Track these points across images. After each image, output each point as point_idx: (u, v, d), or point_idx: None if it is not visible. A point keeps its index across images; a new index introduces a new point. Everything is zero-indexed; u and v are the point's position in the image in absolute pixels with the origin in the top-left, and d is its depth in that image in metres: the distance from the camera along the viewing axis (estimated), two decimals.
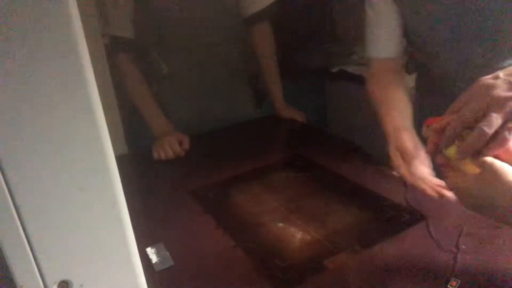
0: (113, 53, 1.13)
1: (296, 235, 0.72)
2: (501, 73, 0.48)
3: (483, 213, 0.51)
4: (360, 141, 1.07)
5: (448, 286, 0.57)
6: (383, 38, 0.92)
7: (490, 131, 0.45)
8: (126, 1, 1.09)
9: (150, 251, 0.70)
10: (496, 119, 0.45)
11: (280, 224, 0.75)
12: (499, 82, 0.46)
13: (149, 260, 0.68)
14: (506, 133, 0.45)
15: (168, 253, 0.70)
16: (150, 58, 1.20)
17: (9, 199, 0.32)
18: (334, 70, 1.67)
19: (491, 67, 0.57)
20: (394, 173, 0.86)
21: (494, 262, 0.61)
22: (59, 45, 0.31)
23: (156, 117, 1.16)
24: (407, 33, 0.90)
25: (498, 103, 0.45)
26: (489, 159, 0.47)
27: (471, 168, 0.50)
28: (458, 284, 0.57)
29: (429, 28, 0.84)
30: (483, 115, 0.46)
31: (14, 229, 0.33)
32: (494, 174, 0.47)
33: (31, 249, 0.34)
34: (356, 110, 1.61)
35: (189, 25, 1.15)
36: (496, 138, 0.46)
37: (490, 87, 0.46)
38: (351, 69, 1.61)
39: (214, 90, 1.27)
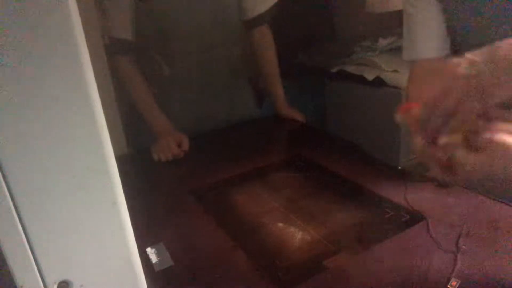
0: (113, 55, 1.13)
1: (296, 235, 0.72)
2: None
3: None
4: (360, 141, 1.07)
5: (448, 286, 0.57)
6: (425, 36, 0.84)
7: None
8: (126, 2, 1.09)
9: (150, 251, 0.70)
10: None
11: (280, 224, 0.75)
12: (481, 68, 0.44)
13: (149, 260, 0.68)
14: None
15: (168, 253, 0.70)
16: (151, 59, 1.20)
17: (9, 199, 0.32)
18: (334, 70, 1.67)
19: None
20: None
21: (494, 262, 0.61)
22: (59, 45, 0.31)
23: (155, 116, 1.16)
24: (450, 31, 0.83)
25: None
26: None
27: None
28: (458, 284, 0.57)
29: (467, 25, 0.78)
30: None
31: (14, 229, 0.33)
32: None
33: (31, 249, 0.34)
34: (356, 110, 1.61)
35: (191, 27, 1.15)
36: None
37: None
38: (351, 69, 1.61)
39: (215, 91, 1.28)
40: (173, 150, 1.07)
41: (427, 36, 0.85)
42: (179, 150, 1.08)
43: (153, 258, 0.69)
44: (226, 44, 1.24)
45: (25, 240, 0.33)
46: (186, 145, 1.11)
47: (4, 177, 0.32)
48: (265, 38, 1.31)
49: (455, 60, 0.45)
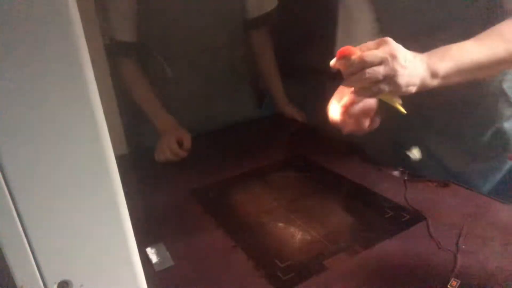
0: (115, 56, 1.12)
1: (296, 235, 0.72)
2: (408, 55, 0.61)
3: None
4: (360, 141, 1.07)
5: (448, 286, 0.57)
6: (357, 35, 0.90)
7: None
8: (129, 3, 1.09)
9: (150, 251, 0.70)
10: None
11: (280, 224, 0.75)
12: (401, 69, 0.59)
13: (149, 260, 0.68)
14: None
15: (168, 253, 0.70)
16: (154, 61, 1.20)
17: (9, 199, 0.32)
18: (334, 70, 1.67)
19: None
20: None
21: (494, 262, 0.61)
22: (59, 45, 0.31)
23: (159, 114, 1.16)
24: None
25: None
26: None
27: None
28: (458, 284, 0.57)
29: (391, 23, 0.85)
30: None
31: (14, 230, 0.33)
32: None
33: (31, 249, 0.34)
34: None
35: (193, 29, 1.15)
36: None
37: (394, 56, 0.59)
38: None
39: (216, 92, 1.28)
40: (175, 150, 1.07)
41: (361, 32, 0.90)
42: (181, 150, 1.08)
43: (153, 258, 0.69)
44: (228, 45, 1.24)
45: (25, 240, 0.33)
46: (188, 143, 1.10)
47: (4, 177, 0.32)
48: (264, 38, 1.31)
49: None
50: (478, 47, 0.65)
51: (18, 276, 0.34)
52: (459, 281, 0.57)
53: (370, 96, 0.65)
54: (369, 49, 0.62)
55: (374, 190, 0.84)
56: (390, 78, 0.59)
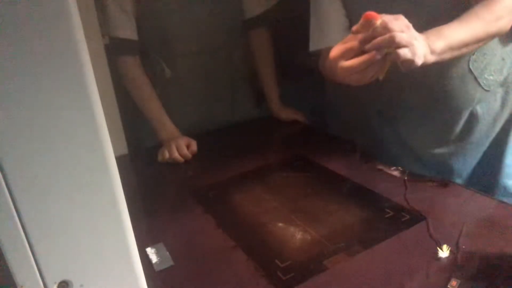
0: (115, 55, 1.12)
1: (296, 235, 0.72)
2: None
3: None
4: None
5: (448, 286, 0.57)
6: (328, 28, 0.94)
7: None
8: (129, 3, 1.09)
9: (150, 251, 0.70)
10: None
11: (280, 224, 0.75)
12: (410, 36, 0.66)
13: (149, 260, 0.68)
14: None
15: (168, 253, 0.70)
16: (153, 62, 1.19)
17: (9, 199, 0.32)
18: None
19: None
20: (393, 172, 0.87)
21: (494, 262, 0.61)
22: (59, 45, 0.31)
23: (163, 123, 1.15)
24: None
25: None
26: None
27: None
28: (458, 284, 0.57)
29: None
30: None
31: (14, 229, 0.33)
32: None
33: (31, 249, 0.34)
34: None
35: (193, 29, 1.15)
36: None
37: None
38: None
39: (216, 92, 1.27)
40: (183, 151, 1.07)
41: (332, 27, 0.94)
42: (188, 152, 1.08)
43: (153, 258, 0.69)
44: (227, 46, 1.24)
45: (25, 240, 0.33)
46: (194, 147, 1.10)
47: (4, 177, 0.32)
48: (263, 39, 1.30)
49: None
50: (463, 28, 0.73)
51: (18, 276, 0.34)
52: (459, 281, 0.57)
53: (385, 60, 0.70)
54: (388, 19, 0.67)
55: (374, 190, 0.84)
56: (411, 46, 0.65)
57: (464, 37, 0.73)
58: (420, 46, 0.67)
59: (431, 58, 0.70)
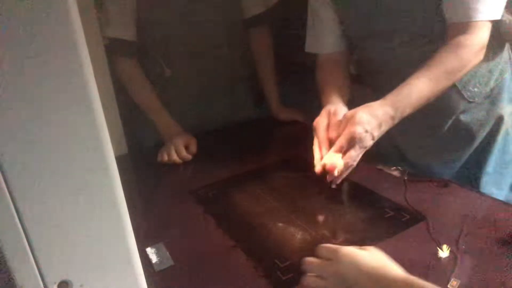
0: (114, 56, 1.12)
1: (296, 235, 0.72)
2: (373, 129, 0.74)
3: None
4: None
5: (448, 286, 0.57)
6: (322, 34, 0.99)
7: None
8: (128, 3, 1.09)
9: (150, 251, 0.70)
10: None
11: (280, 224, 0.75)
12: (367, 136, 0.74)
13: (149, 260, 0.68)
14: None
15: (168, 253, 0.70)
16: (152, 61, 1.19)
17: (9, 199, 0.32)
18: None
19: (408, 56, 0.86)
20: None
21: (494, 262, 0.61)
22: (59, 45, 0.31)
23: (164, 120, 1.15)
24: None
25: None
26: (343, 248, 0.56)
27: None
28: (458, 284, 0.57)
29: (349, 24, 0.94)
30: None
31: (14, 230, 0.33)
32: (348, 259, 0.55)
33: (31, 249, 0.34)
34: None
35: (193, 29, 1.15)
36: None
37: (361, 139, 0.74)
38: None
39: (215, 92, 1.27)
40: (181, 153, 1.07)
41: (326, 33, 0.98)
42: (187, 155, 1.08)
43: (153, 258, 0.69)
44: (227, 45, 1.23)
45: (25, 240, 0.33)
46: (194, 147, 1.10)
47: (4, 177, 0.32)
48: (263, 39, 1.30)
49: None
50: (425, 83, 0.76)
51: (18, 276, 0.34)
52: (459, 281, 0.57)
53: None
54: (338, 126, 0.79)
55: (374, 190, 0.84)
56: (362, 144, 0.75)
57: (427, 92, 0.76)
58: (369, 136, 0.74)
59: (393, 122, 0.76)
